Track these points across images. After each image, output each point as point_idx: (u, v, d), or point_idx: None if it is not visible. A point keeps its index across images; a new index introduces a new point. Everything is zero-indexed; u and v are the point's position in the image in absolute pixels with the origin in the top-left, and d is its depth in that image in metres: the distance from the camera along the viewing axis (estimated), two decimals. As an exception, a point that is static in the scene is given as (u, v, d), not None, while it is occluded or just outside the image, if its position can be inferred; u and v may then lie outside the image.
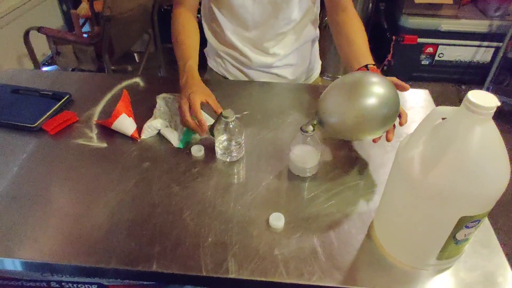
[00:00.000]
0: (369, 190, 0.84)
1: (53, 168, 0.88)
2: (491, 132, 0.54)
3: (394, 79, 0.88)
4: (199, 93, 0.88)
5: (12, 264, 0.71)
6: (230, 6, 1.03)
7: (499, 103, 0.53)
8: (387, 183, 0.69)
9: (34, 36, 2.25)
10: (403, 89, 0.87)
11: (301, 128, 0.81)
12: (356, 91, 0.79)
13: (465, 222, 0.59)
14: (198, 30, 1.07)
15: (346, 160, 0.91)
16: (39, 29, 2.10)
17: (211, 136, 0.90)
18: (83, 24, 3.10)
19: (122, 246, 0.71)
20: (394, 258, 0.69)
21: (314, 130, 0.81)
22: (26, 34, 2.16)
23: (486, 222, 0.76)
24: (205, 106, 0.89)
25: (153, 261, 0.69)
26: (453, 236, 0.61)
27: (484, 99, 0.53)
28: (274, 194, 0.82)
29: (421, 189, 0.58)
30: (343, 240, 0.73)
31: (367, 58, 0.95)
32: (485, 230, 0.75)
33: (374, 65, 0.94)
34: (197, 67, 0.97)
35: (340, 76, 0.88)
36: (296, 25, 1.10)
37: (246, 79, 1.20)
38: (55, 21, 3.25)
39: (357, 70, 0.92)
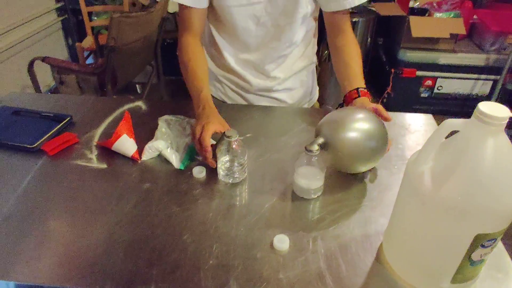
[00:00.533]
0: (376, 212, 0.81)
1: (51, 188, 0.85)
2: (504, 143, 0.53)
3: (379, 107, 0.90)
4: (215, 123, 0.88)
5: (6, 287, 0.67)
6: (233, 29, 1.04)
7: (511, 114, 0.52)
8: (396, 202, 0.67)
9: (39, 69, 2.28)
10: (385, 119, 0.89)
11: (305, 148, 0.79)
12: (344, 127, 0.82)
13: (481, 241, 0.56)
14: (205, 58, 1.08)
15: (351, 181, 0.89)
16: (43, 59, 2.14)
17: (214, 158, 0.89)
18: (87, 56, 3.17)
19: (119, 268, 0.67)
20: (406, 282, 0.66)
21: (318, 150, 0.79)
22: (31, 64, 2.19)
23: (500, 246, 0.73)
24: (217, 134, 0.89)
25: (150, 283, 0.65)
26: (468, 256, 0.58)
27: (495, 110, 0.51)
28: (278, 216, 0.79)
29: (433, 205, 0.56)
30: (351, 264, 0.70)
31: (359, 81, 0.99)
32: (500, 254, 0.72)
33: (365, 88, 0.97)
34: (210, 96, 0.98)
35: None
36: (296, 48, 1.11)
37: (245, 103, 1.20)
38: (60, 54, 3.32)
39: (349, 92, 0.97)
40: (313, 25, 1.12)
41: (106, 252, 0.71)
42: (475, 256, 0.58)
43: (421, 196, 0.57)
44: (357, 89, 0.96)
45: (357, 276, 0.67)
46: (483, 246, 0.57)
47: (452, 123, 0.55)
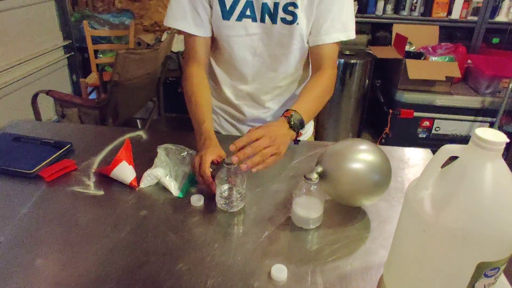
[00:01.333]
0: (376, 244, 0.79)
1: (46, 214, 0.84)
2: (502, 169, 0.53)
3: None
4: (213, 153, 0.88)
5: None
6: (231, 60, 1.08)
7: (508, 140, 0.53)
8: (396, 230, 0.66)
9: (41, 102, 2.32)
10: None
11: (304, 176, 0.79)
12: (345, 158, 0.82)
13: (484, 269, 0.55)
14: (209, 88, 1.10)
15: (351, 213, 0.88)
16: (48, 92, 2.17)
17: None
18: (91, 92, 3.23)
19: (111, 295, 0.65)
20: (408, 315, 0.63)
21: (317, 178, 0.79)
22: (35, 97, 2.23)
23: (504, 280, 0.71)
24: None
25: (143, 312, 0.62)
26: (472, 286, 0.56)
27: (492, 135, 0.52)
28: (276, 246, 0.78)
29: (434, 231, 0.55)
30: (351, 296, 0.67)
31: (298, 106, 0.97)
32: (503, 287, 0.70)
33: (294, 111, 0.94)
34: (212, 128, 0.99)
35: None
36: (293, 80, 1.14)
37: (239, 135, 1.22)
38: (64, 90, 3.39)
39: (283, 113, 0.95)
40: (308, 62, 1.15)
41: (98, 279, 0.68)
42: (478, 286, 0.56)
43: (421, 222, 0.57)
44: (288, 110, 0.95)
45: (357, 308, 0.65)
46: (486, 275, 0.55)
47: (450, 148, 0.56)
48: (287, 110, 0.95)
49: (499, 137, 0.52)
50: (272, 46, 1.05)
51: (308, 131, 1.32)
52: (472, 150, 0.53)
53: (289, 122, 0.92)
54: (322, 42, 1.05)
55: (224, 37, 1.04)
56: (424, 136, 2.90)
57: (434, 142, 2.91)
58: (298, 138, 0.96)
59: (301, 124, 0.95)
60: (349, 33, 1.06)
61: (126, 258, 0.73)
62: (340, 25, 1.04)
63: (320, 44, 1.06)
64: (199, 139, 0.95)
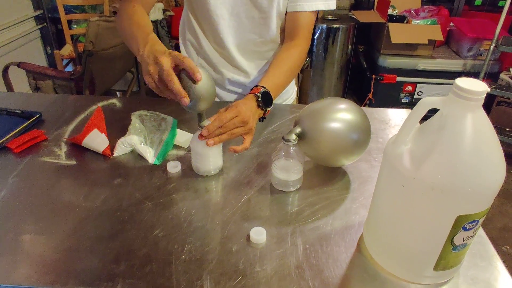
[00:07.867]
0: (356, 203, 0.78)
1: (14, 186, 0.80)
2: (483, 120, 0.51)
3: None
4: (167, 55, 0.72)
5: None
6: (208, 17, 1.02)
7: (488, 89, 0.51)
8: (376, 188, 0.65)
9: (14, 76, 2.21)
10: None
11: (283, 138, 0.77)
12: (324, 117, 0.79)
13: (463, 223, 0.54)
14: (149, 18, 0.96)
15: (331, 174, 0.86)
16: (18, 64, 2.07)
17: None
18: (66, 65, 3.11)
19: (83, 264, 0.63)
20: (388, 272, 0.63)
21: (296, 139, 0.77)
22: (5, 70, 2.13)
23: (482, 234, 0.71)
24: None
25: (117, 280, 0.60)
26: (450, 240, 0.56)
27: (473, 85, 0.50)
28: (255, 209, 0.76)
29: (413, 185, 0.54)
30: (332, 255, 0.67)
31: (268, 82, 0.93)
32: (483, 242, 0.70)
33: (266, 90, 0.90)
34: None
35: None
36: (273, 47, 1.10)
37: (218, 100, 1.18)
38: (38, 63, 3.25)
39: (256, 86, 0.91)
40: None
41: (70, 249, 0.66)
42: (457, 240, 0.56)
43: (400, 177, 0.55)
44: (257, 85, 0.91)
45: (337, 268, 0.64)
46: (465, 228, 0.55)
47: (430, 100, 0.54)
48: (256, 86, 0.91)
49: (479, 87, 0.50)
50: (249, 7, 1.00)
51: (291, 96, 1.29)
52: (452, 101, 0.51)
53: (257, 100, 0.88)
54: (301, 9, 1.01)
55: None
56: (407, 101, 2.90)
57: (417, 107, 2.91)
58: (264, 116, 0.93)
59: (269, 103, 0.91)
60: (329, 2, 1.02)
61: (99, 227, 0.70)
62: None
63: (298, 11, 1.01)
64: (143, 46, 0.77)
